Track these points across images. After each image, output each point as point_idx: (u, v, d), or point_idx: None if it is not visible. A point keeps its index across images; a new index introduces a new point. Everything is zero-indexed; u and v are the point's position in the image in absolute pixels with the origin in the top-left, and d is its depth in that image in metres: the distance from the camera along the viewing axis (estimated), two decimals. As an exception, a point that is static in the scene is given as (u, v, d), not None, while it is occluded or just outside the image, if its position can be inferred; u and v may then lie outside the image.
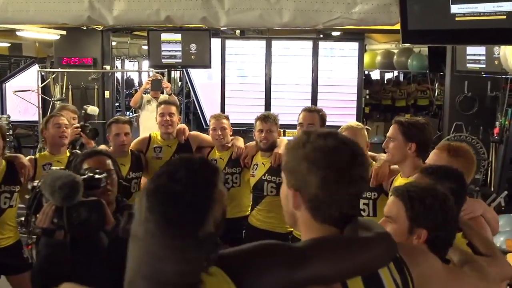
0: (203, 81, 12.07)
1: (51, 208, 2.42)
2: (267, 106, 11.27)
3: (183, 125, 5.38)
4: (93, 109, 7.04)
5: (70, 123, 5.15)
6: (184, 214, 1.42)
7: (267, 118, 4.86)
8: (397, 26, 4.08)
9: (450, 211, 2.18)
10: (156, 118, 5.26)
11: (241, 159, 5.08)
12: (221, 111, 11.13)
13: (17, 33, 10.22)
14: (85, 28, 10.57)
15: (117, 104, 13.89)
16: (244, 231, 5.13)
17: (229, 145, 5.20)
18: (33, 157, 4.84)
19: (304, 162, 1.57)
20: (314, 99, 11.23)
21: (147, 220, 1.42)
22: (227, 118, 5.25)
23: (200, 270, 1.42)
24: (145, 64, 20.37)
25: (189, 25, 9.66)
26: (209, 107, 12.11)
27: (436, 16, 3.65)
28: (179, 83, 15.89)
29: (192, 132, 5.47)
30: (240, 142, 5.16)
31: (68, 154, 4.89)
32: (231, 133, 5.26)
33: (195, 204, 1.44)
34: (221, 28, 10.75)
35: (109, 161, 3.06)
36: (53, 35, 10.54)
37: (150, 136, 5.32)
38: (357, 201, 1.68)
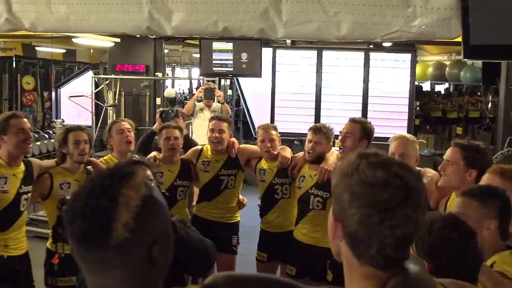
0: (253, 90, 12.10)
1: None
2: (317, 116, 11.25)
3: (234, 139, 5.32)
4: (168, 92, 6.93)
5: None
6: (88, 229, 1.35)
7: (318, 130, 4.76)
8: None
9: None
10: (207, 132, 5.26)
11: (288, 170, 5.01)
12: (270, 121, 11.17)
13: (73, 40, 10.47)
14: (138, 35, 10.77)
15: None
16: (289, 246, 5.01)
17: (276, 153, 5.07)
18: (103, 160, 4.90)
19: (347, 193, 1.45)
20: (364, 110, 11.16)
21: (70, 242, 1.40)
22: (275, 128, 5.16)
23: (144, 274, 1.41)
24: (195, 71, 20.59)
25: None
26: (259, 116, 12.15)
27: (500, 30, 3.58)
28: (229, 91, 15.98)
29: (241, 146, 5.42)
30: (286, 152, 5.07)
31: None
32: (280, 143, 5.18)
33: (95, 216, 1.35)
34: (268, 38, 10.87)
35: (149, 172, 3.02)
36: (108, 42, 10.75)
37: (202, 149, 5.31)
38: (406, 244, 1.46)
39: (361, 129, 4.47)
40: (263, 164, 5.13)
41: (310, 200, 4.75)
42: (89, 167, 4.61)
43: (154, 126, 5.88)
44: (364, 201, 1.40)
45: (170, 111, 5.61)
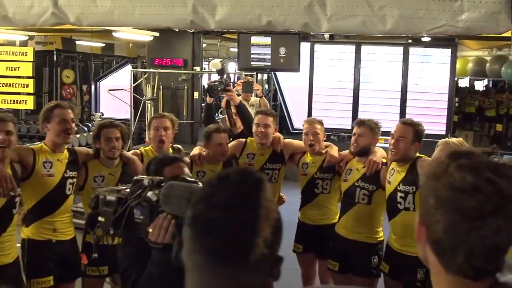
0: (291, 85, 12.07)
1: (170, 223, 2.24)
2: (355, 111, 11.18)
3: (279, 134, 5.31)
4: (214, 64, 6.79)
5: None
6: (227, 243, 1.26)
7: (361, 122, 4.76)
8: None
9: None
10: (252, 126, 5.23)
11: (336, 163, 4.99)
12: (308, 115, 11.13)
13: (113, 34, 10.58)
14: (177, 30, 10.83)
15: (202, 104, 14.09)
16: (330, 240, 4.98)
17: (323, 151, 5.08)
18: (138, 151, 4.92)
19: (433, 197, 1.32)
20: (402, 106, 11.05)
21: (193, 251, 1.29)
22: (320, 123, 5.12)
23: None
24: (231, 66, 20.61)
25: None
26: (296, 111, 12.13)
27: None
28: (266, 86, 15.97)
29: (286, 140, 5.40)
30: (334, 150, 5.06)
31: (171, 150, 4.93)
32: (325, 138, 5.16)
33: (237, 230, 1.27)
34: (312, 32, 10.82)
35: (187, 169, 2.98)
36: (147, 36, 10.84)
37: (246, 141, 5.29)
38: (498, 254, 1.32)
39: (413, 132, 4.43)
40: (307, 158, 5.13)
41: (356, 193, 4.75)
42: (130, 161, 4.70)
43: (207, 99, 5.82)
44: (450, 207, 1.29)
45: (217, 83, 5.56)
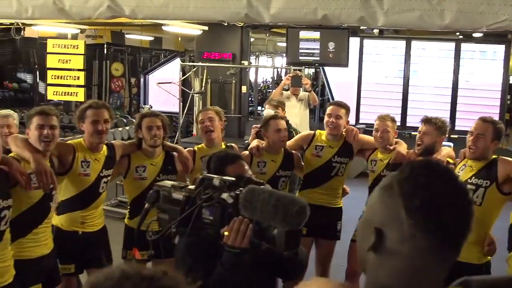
0: (339, 80, 11.99)
1: (248, 227, 2.22)
2: (404, 108, 11.07)
3: (355, 128, 5.23)
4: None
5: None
6: (459, 224, 1.31)
7: (427, 120, 4.61)
8: None
9: None
10: (325, 117, 5.19)
11: (403, 164, 4.85)
12: (356, 111, 11.06)
13: (163, 27, 10.66)
14: (226, 24, 10.86)
15: (249, 98, 14.12)
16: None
17: (392, 148, 4.93)
18: (191, 149, 4.90)
19: None
20: (453, 103, 10.89)
21: (414, 237, 1.29)
22: (393, 120, 4.99)
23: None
24: (278, 60, 20.59)
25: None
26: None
27: None
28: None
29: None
30: (402, 147, 4.91)
31: (224, 146, 4.89)
32: (396, 135, 5.02)
33: (463, 212, 1.31)
34: (361, 27, 10.71)
35: (248, 168, 2.90)
36: (196, 30, 10.89)
37: (314, 133, 5.23)
38: None
39: (493, 130, 4.29)
40: (376, 154, 5.01)
41: None
42: (174, 153, 4.71)
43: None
44: None
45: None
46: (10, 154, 3.80)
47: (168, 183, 2.43)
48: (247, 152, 4.94)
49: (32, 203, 3.78)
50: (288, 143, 5.08)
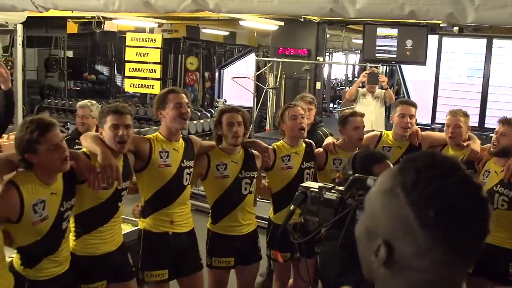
0: (416, 78, 11.76)
1: None
2: (483, 108, 10.77)
3: (417, 128, 5.02)
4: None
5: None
6: (478, 230, 1.23)
7: (505, 121, 4.42)
8: None
9: None
10: (391, 117, 5.07)
11: (475, 162, 4.73)
12: (432, 111, 10.85)
13: (240, 22, 10.73)
14: (302, 20, 10.84)
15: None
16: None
17: (465, 144, 4.74)
18: (270, 147, 4.73)
19: None
20: (537, 105, 10.51)
21: (431, 250, 1.19)
22: (465, 115, 4.78)
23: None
24: (351, 58, 20.41)
25: (407, 20, 9.54)
26: (420, 105, 11.78)
27: None
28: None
29: (424, 133, 5.09)
30: (476, 144, 4.71)
31: (304, 145, 4.80)
32: (468, 131, 4.81)
33: (479, 216, 1.22)
34: (441, 25, 10.48)
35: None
36: (272, 25, 10.91)
37: (381, 134, 5.08)
38: None
39: None
40: (448, 151, 4.80)
41: (494, 198, 4.40)
42: (251, 149, 4.60)
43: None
44: None
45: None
46: (81, 150, 3.76)
47: (315, 184, 2.35)
48: (321, 150, 4.88)
49: (99, 202, 3.72)
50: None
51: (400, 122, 4.89)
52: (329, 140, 4.94)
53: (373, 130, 6.23)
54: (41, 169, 3.29)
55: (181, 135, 4.32)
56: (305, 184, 2.39)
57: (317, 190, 2.30)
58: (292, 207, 2.35)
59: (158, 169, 4.10)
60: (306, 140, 4.88)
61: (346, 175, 2.76)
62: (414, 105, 5.03)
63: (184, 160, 4.22)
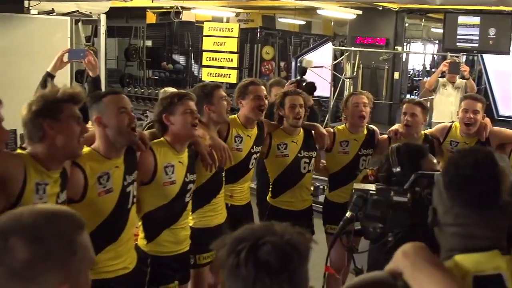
0: (498, 68, 11.40)
1: None
2: None
3: (487, 121, 4.80)
4: (308, 62, 6.36)
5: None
6: (482, 193, 1.65)
7: None
8: None
9: None
10: (458, 112, 4.91)
11: None
12: (515, 102, 10.51)
13: (318, 11, 10.71)
14: (381, 8, 10.69)
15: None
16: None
17: None
18: (331, 129, 4.90)
19: None
20: None
21: (452, 206, 1.68)
22: None
23: (504, 234, 1.69)
24: (429, 47, 19.98)
25: (490, 8, 9.25)
26: (502, 97, 11.48)
27: None
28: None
29: (495, 128, 4.86)
30: None
31: (365, 131, 4.86)
32: None
33: (486, 182, 1.65)
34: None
35: (436, 161, 2.81)
36: (350, 14, 10.80)
37: (450, 127, 4.90)
38: None
39: None
40: None
41: None
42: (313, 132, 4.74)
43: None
44: None
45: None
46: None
47: (370, 186, 2.28)
48: (385, 136, 4.88)
49: (209, 175, 3.97)
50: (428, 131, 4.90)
51: (463, 117, 4.69)
52: (394, 127, 4.88)
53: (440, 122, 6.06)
54: (172, 135, 3.58)
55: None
56: (358, 186, 2.31)
57: (380, 193, 2.19)
58: (349, 214, 2.23)
59: (231, 152, 4.25)
60: (370, 127, 4.95)
61: (389, 171, 2.64)
62: (479, 100, 4.79)
63: (254, 147, 4.51)
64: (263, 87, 4.46)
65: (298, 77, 5.77)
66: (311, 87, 5.29)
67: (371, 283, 1.66)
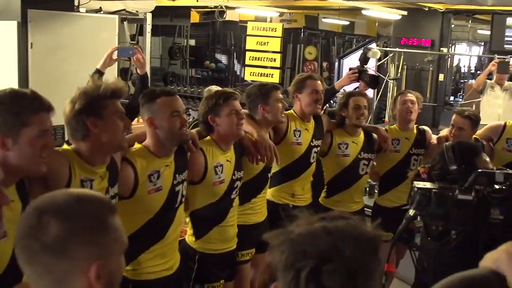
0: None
1: None
2: None
3: None
4: (374, 53, 6.09)
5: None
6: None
7: None
8: None
9: None
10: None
11: None
12: None
13: (363, 12, 10.64)
14: (426, 9, 10.57)
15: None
16: None
17: None
18: (387, 127, 4.95)
19: None
20: None
21: None
22: None
23: None
24: (475, 49, 19.66)
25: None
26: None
27: None
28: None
29: None
30: None
31: (415, 131, 4.87)
32: None
33: None
34: None
35: (488, 159, 2.79)
36: (395, 14, 10.70)
37: (504, 125, 4.86)
38: None
39: None
40: None
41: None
42: (374, 134, 4.76)
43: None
44: None
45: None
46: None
47: (431, 184, 2.27)
48: (435, 141, 4.83)
49: (254, 174, 3.97)
50: (478, 132, 4.78)
51: None
52: (444, 132, 4.84)
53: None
54: (218, 135, 3.58)
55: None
56: (418, 184, 2.30)
57: (444, 191, 2.18)
58: (413, 212, 2.23)
59: (290, 146, 4.36)
60: (421, 127, 4.96)
61: (443, 169, 2.60)
62: None
63: (313, 140, 4.47)
64: (320, 82, 4.46)
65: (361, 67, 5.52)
66: (375, 80, 5.17)
67: (478, 284, 1.38)
